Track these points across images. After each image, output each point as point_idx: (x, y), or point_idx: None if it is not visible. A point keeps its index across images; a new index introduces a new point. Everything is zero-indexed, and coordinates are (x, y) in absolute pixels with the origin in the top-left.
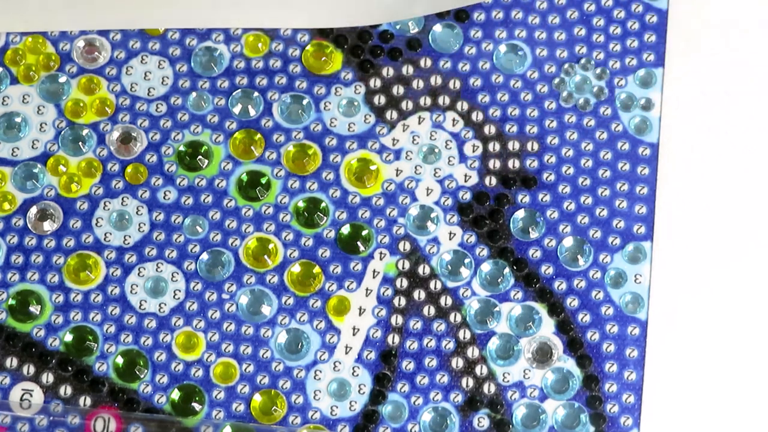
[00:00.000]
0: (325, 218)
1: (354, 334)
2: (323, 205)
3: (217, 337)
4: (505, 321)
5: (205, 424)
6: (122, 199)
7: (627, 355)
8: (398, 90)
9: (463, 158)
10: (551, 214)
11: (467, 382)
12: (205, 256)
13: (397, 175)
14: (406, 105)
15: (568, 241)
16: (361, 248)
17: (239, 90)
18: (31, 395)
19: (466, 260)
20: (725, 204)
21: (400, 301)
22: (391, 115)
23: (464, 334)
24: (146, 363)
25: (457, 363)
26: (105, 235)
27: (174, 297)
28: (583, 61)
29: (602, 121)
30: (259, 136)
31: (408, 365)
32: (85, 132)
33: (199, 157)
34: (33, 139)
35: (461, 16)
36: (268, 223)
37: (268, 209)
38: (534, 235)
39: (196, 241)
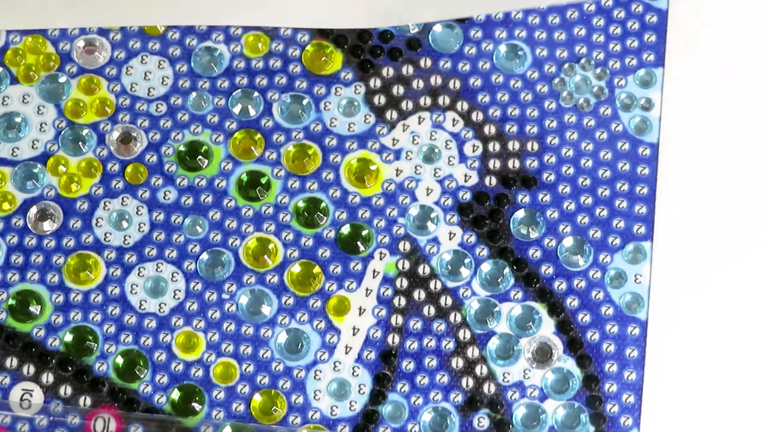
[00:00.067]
0: (325, 218)
1: (354, 334)
2: (323, 205)
3: (217, 337)
4: (505, 321)
5: (205, 424)
6: (122, 199)
7: (627, 355)
8: (398, 90)
9: (463, 158)
10: (551, 214)
11: (467, 382)
12: (205, 256)
13: (397, 175)
14: (406, 105)
15: (568, 241)
16: (361, 248)
17: (239, 90)
18: (31, 395)
19: (466, 260)
20: (725, 204)
21: (400, 301)
22: (391, 115)
23: (464, 334)
24: (146, 363)
25: (457, 363)
26: (105, 235)
27: (174, 297)
28: (583, 61)
29: (602, 121)
30: (259, 136)
31: (408, 365)
32: (85, 132)
33: (199, 157)
34: (33, 139)
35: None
36: (268, 223)
37: (268, 209)
38: (534, 235)
39: (196, 241)
